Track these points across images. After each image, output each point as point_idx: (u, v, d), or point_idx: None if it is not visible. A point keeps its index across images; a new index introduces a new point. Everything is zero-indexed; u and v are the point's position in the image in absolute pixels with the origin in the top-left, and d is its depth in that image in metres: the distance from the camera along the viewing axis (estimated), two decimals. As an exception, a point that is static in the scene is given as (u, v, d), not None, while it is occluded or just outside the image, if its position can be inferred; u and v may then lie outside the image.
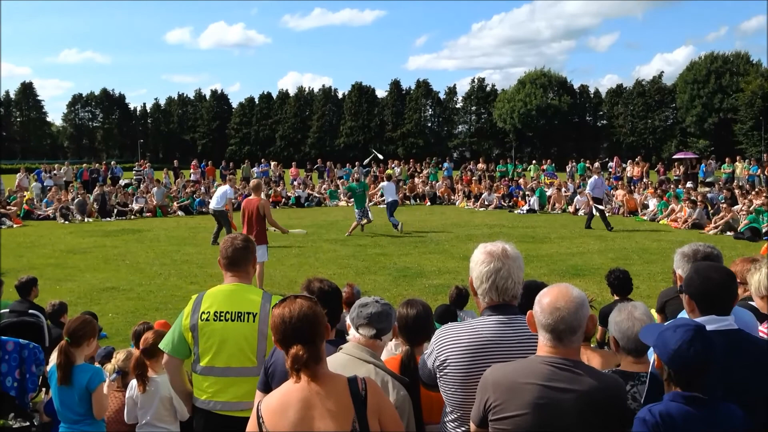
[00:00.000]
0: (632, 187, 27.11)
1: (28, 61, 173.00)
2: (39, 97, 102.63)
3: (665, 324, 2.58)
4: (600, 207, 19.46)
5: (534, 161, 38.58)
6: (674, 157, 39.98)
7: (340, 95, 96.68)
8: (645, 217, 22.04)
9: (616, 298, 6.43)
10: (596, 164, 31.02)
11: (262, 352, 3.60)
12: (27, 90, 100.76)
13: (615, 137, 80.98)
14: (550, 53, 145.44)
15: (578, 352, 2.52)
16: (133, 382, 4.66)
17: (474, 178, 32.28)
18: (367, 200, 19.03)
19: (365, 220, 18.23)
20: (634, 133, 79.02)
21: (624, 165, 35.12)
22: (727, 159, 32.12)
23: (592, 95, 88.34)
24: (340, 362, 2.95)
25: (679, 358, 2.36)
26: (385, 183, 20.86)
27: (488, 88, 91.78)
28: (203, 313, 3.66)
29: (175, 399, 4.42)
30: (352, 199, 19.86)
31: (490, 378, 2.53)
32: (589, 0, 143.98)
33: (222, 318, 3.63)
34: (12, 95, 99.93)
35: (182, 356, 3.77)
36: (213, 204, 17.02)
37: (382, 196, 21.43)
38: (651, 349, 2.69)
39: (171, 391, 4.41)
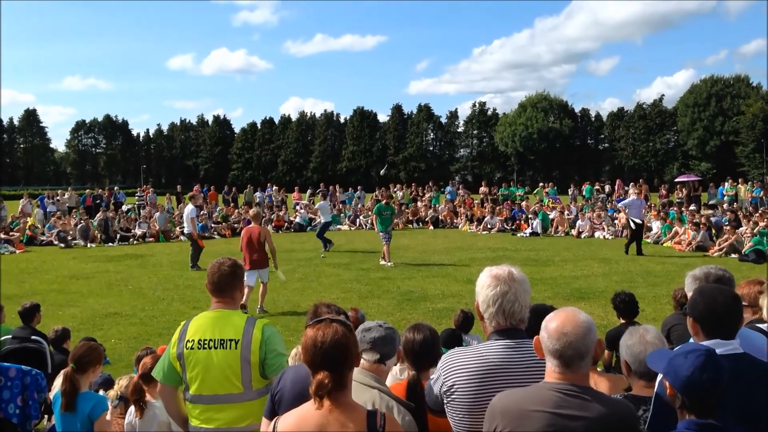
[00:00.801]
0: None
1: (32, 88, 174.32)
2: (42, 124, 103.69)
3: (674, 350, 2.54)
4: (634, 227, 18.62)
5: (541, 184, 38.59)
6: (677, 180, 39.95)
7: (342, 120, 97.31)
8: (648, 240, 21.97)
9: (622, 321, 6.39)
10: (632, 184, 30.57)
11: (247, 377, 3.58)
12: (30, 117, 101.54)
13: (617, 160, 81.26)
14: (550, 77, 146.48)
15: (587, 377, 2.47)
16: (132, 408, 4.63)
17: (476, 201, 32.32)
18: (392, 224, 17.89)
19: (384, 244, 17.20)
20: (635, 156, 79.28)
21: (626, 188, 35.12)
22: (729, 180, 32.11)
23: (593, 118, 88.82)
24: None
25: (693, 384, 2.31)
26: (322, 202, 20.10)
27: (489, 112, 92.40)
28: (188, 341, 3.64)
29: (173, 424, 4.38)
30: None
31: (498, 405, 2.48)
32: (589, 25, 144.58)
33: (206, 346, 3.60)
34: (16, 122, 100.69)
35: (174, 383, 3.76)
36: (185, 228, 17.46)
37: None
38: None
39: (169, 416, 4.38)
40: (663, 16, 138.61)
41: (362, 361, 3.09)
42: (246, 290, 10.92)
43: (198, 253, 16.80)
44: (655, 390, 2.75)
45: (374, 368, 3.09)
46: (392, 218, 18.17)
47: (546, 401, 2.38)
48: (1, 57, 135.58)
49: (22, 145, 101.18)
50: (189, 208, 17.56)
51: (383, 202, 18.11)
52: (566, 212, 27.22)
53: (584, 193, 35.78)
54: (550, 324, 2.46)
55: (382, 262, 16.99)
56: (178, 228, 25.06)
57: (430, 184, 37.97)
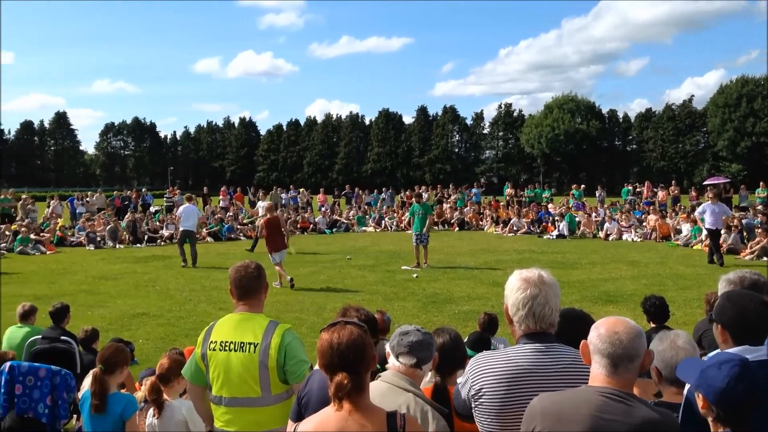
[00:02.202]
0: (664, 212, 26.74)
1: (62, 92, 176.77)
2: (72, 127, 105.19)
3: (705, 360, 2.47)
4: (713, 237, 17.17)
5: (583, 186, 38.09)
6: (705, 182, 39.32)
7: (367, 122, 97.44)
8: (678, 243, 21.68)
9: (652, 325, 6.28)
10: (710, 189, 28.93)
11: (265, 382, 3.56)
12: (61, 119, 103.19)
13: (645, 162, 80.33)
14: (577, 78, 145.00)
15: (632, 384, 2.43)
16: (152, 409, 4.66)
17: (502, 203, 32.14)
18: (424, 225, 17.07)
19: (422, 248, 16.97)
20: (664, 157, 78.31)
21: (655, 190, 34.69)
22: (761, 183, 31.53)
23: (621, 120, 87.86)
24: (379, 390, 2.90)
25: (729, 397, 2.23)
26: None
27: (515, 114, 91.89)
28: (212, 342, 3.66)
29: (191, 423, 4.40)
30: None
31: (538, 406, 2.45)
32: (617, 25, 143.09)
33: (226, 348, 3.61)
34: (46, 125, 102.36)
35: (201, 383, 3.77)
36: (188, 224, 17.79)
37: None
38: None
39: (186, 415, 4.41)
40: (693, 16, 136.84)
41: (398, 364, 3.08)
42: (278, 267, 14.39)
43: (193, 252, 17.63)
44: (684, 396, 2.69)
45: (410, 372, 3.07)
46: (426, 217, 17.34)
47: (589, 404, 2.34)
48: (0, 60, 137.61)
49: (52, 148, 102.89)
50: (193, 208, 18.45)
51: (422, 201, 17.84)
52: (593, 214, 26.96)
53: (621, 195, 35.36)
54: (600, 327, 2.45)
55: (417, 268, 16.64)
56: (204, 230, 25.28)
57: (452, 186, 37.83)
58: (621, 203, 32.51)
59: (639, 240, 23.20)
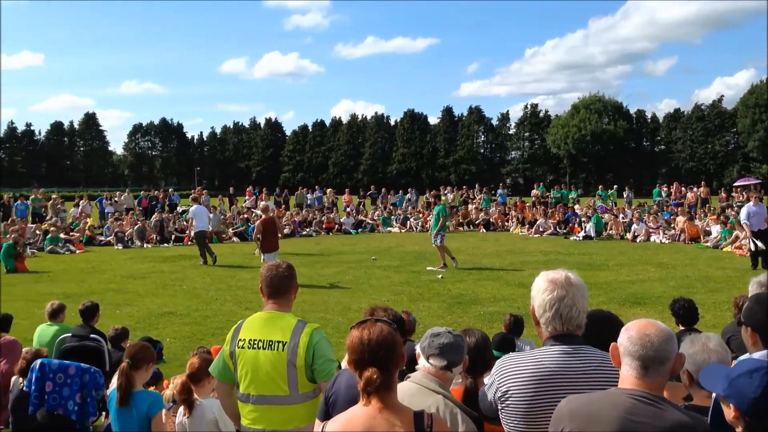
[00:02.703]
0: (693, 214, 26.38)
1: (91, 93, 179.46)
2: (101, 127, 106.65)
3: (732, 368, 2.41)
4: (757, 242, 16.12)
5: (615, 186, 37.71)
6: (735, 184, 38.74)
7: (392, 122, 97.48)
8: (708, 245, 21.37)
9: (681, 328, 6.19)
10: (752, 189, 27.54)
11: (293, 380, 3.57)
12: (90, 120, 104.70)
13: (674, 162, 79.36)
14: (605, 78, 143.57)
15: (663, 387, 2.40)
16: (182, 408, 4.69)
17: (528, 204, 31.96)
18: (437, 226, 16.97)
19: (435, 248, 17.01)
20: (693, 158, 77.32)
21: (684, 191, 34.27)
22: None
23: (649, 120, 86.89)
24: (408, 390, 2.90)
25: (763, 407, 2.14)
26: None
27: (541, 114, 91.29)
28: (240, 340, 3.68)
29: (221, 422, 4.42)
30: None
31: (566, 408, 2.43)
32: (645, 24, 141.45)
33: (255, 346, 3.62)
34: (76, 125, 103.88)
35: (229, 381, 3.80)
36: (202, 225, 18.37)
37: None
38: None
39: (216, 415, 4.43)
40: (723, 15, 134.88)
41: (428, 366, 3.07)
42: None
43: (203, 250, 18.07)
44: (714, 399, 2.65)
45: (440, 374, 3.06)
46: (439, 217, 17.24)
47: (618, 405, 2.31)
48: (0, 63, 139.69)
49: (82, 148, 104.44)
50: (201, 208, 18.99)
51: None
52: (621, 216, 26.68)
53: (652, 195, 35.00)
54: (631, 329, 2.42)
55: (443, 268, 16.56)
56: (230, 230, 25.46)
57: (477, 186, 37.66)
58: (649, 204, 32.15)
59: (667, 242, 22.91)
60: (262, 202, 21.31)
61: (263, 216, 15.84)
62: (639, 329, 2.39)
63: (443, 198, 32.02)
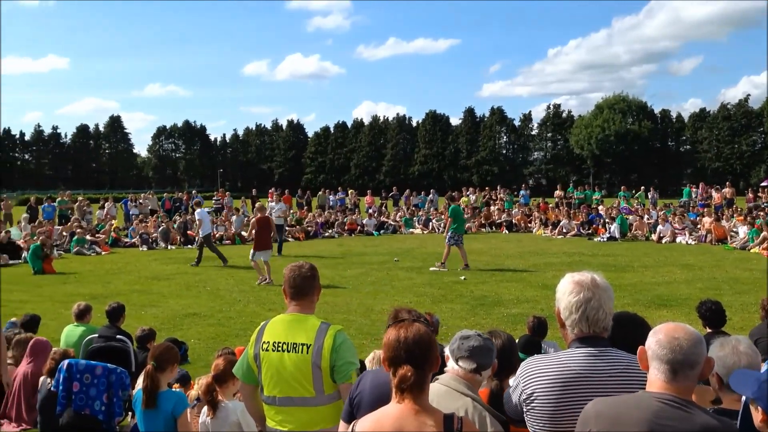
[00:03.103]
0: (720, 214, 26.03)
1: (116, 96, 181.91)
2: (126, 130, 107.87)
3: (763, 372, 2.38)
4: None
5: (642, 187, 37.33)
6: (762, 184, 38.17)
7: (414, 123, 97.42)
8: (735, 245, 21.08)
9: (708, 330, 6.11)
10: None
11: (318, 382, 3.58)
12: (115, 123, 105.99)
13: (699, 162, 78.42)
14: (629, 78, 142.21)
15: (691, 391, 2.37)
16: (205, 408, 4.71)
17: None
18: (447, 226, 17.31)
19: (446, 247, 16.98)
20: (719, 158, 76.37)
21: (710, 191, 33.81)
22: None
23: (674, 120, 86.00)
24: (436, 392, 2.90)
25: None
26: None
27: (564, 114, 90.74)
28: (264, 342, 3.68)
29: (244, 424, 4.44)
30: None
31: (592, 410, 2.41)
32: (669, 23, 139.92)
33: (279, 348, 3.62)
34: (101, 128, 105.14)
35: (253, 383, 3.81)
36: (207, 228, 18.68)
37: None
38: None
39: (239, 417, 4.44)
40: (748, 13, 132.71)
41: (457, 368, 3.06)
42: (266, 266, 15.23)
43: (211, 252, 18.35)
44: (743, 403, 2.61)
45: (469, 377, 3.05)
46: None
47: (646, 409, 2.29)
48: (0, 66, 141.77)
49: (107, 151, 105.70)
50: (204, 212, 19.44)
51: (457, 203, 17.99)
52: (646, 216, 26.41)
53: (682, 195, 34.60)
54: (659, 332, 2.39)
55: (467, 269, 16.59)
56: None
57: (499, 188, 37.47)
58: (674, 205, 31.76)
59: (693, 243, 22.64)
60: (275, 204, 21.65)
61: (258, 215, 16.29)
62: (668, 333, 2.36)
63: (464, 199, 31.98)
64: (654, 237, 23.78)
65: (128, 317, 7.86)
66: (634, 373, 2.61)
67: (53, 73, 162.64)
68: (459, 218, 17.23)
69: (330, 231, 27.85)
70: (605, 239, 24.04)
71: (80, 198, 33.34)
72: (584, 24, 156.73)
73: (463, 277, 15.42)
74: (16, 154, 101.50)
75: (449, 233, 17.00)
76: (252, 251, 15.78)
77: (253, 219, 16.69)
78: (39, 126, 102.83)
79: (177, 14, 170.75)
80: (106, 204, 30.59)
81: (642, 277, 15.36)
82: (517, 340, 5.58)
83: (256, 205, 17.99)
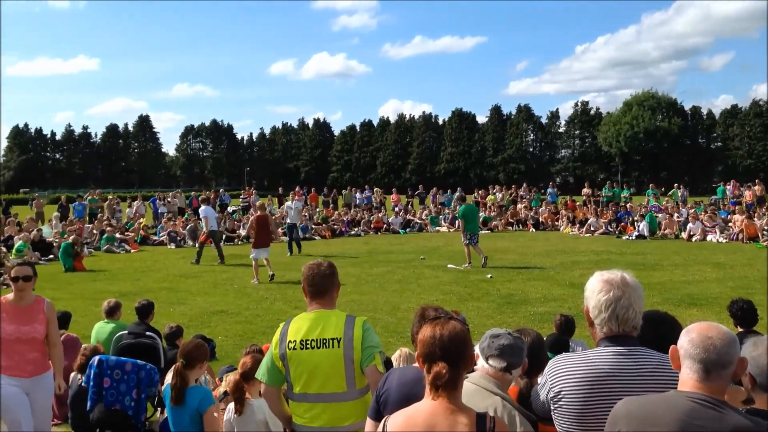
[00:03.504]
0: (751, 212, 25.59)
1: (145, 96, 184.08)
2: (155, 129, 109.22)
3: None
4: None
5: (676, 185, 36.79)
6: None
7: (440, 122, 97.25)
8: (766, 244, 20.71)
9: (739, 330, 6.01)
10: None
11: (351, 376, 3.59)
12: (144, 123, 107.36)
13: (731, 160, 77.20)
14: (658, 74, 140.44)
15: (724, 391, 2.33)
16: (231, 405, 4.73)
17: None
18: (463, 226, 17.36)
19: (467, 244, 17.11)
20: (751, 155, 75.13)
21: (742, 189, 33.26)
22: None
23: (704, 116, 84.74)
24: (466, 390, 2.88)
25: None
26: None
27: (592, 112, 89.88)
28: (290, 342, 3.67)
29: (271, 423, 4.45)
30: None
31: (623, 409, 2.39)
32: (700, 19, 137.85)
33: (308, 346, 3.62)
34: (130, 128, 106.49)
35: (278, 384, 3.81)
36: (213, 225, 19.14)
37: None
38: None
39: (266, 415, 4.45)
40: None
41: (487, 367, 3.05)
42: (266, 262, 15.64)
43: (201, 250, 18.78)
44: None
45: (498, 376, 3.04)
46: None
47: (677, 408, 2.26)
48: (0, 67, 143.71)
49: (136, 150, 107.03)
50: (210, 209, 19.84)
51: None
52: (676, 214, 26.05)
53: (717, 194, 34.07)
54: (692, 331, 2.37)
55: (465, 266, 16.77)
56: (280, 230, 25.70)
57: (525, 185, 37.22)
58: (705, 203, 31.30)
59: (724, 241, 22.27)
60: (291, 203, 21.93)
61: (259, 212, 16.50)
62: (701, 332, 2.32)
63: (491, 197, 31.79)
64: (684, 235, 23.45)
65: (157, 314, 7.94)
66: (663, 373, 2.58)
67: (83, 74, 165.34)
68: (469, 217, 17.32)
69: (356, 229, 27.92)
70: (634, 237, 23.77)
71: (110, 196, 33.79)
72: (613, 20, 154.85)
73: (489, 275, 15.36)
74: (48, 154, 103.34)
75: (464, 234, 17.12)
76: (252, 249, 15.98)
77: (252, 218, 16.98)
78: (70, 126, 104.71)
79: (204, 15, 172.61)
80: (134, 202, 30.96)
81: (671, 275, 15.16)
82: (545, 339, 5.56)
83: (257, 203, 18.24)
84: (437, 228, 28.88)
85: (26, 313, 5.03)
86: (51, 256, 19.88)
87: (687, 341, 2.34)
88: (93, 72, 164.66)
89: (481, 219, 28.39)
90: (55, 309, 5.31)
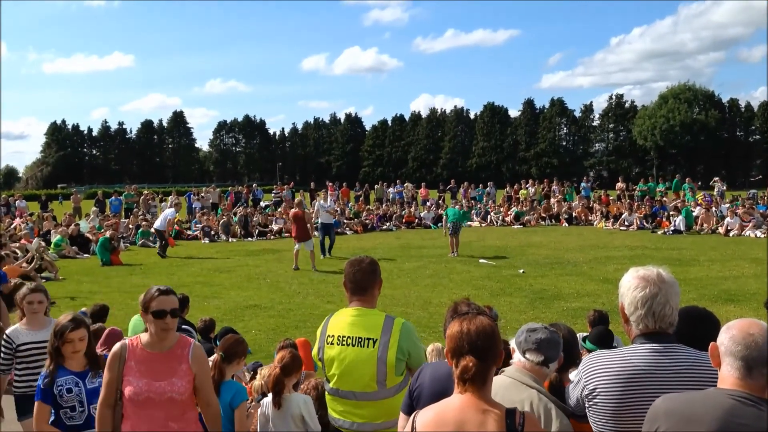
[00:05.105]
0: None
1: (179, 92, 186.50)
2: (188, 125, 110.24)
3: None
4: None
5: (716, 178, 36.05)
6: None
7: (472, 116, 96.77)
8: (807, 239, 20.26)
9: (778, 327, 5.89)
10: None
11: (382, 376, 3.59)
12: (178, 119, 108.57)
13: (769, 153, 75.58)
14: (696, 66, 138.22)
15: (765, 389, 2.29)
16: (266, 399, 4.76)
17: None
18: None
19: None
20: (791, 148, 73.39)
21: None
22: None
23: (743, 109, 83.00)
24: (502, 384, 2.88)
25: None
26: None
27: (627, 105, 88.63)
28: (329, 336, 3.71)
29: (308, 417, 4.47)
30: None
31: (662, 406, 2.36)
32: (740, 9, 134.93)
33: (344, 343, 3.64)
34: (165, 124, 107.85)
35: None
36: (156, 224, 20.47)
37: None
38: None
39: (302, 410, 4.47)
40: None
41: (524, 360, 3.04)
42: (309, 253, 16.42)
43: (164, 246, 19.61)
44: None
45: (535, 370, 3.02)
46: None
47: (718, 406, 2.23)
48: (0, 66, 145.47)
49: (170, 146, 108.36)
50: (170, 211, 21.20)
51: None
52: (713, 209, 25.60)
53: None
54: (733, 328, 2.32)
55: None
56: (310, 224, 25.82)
57: (555, 180, 36.81)
58: (743, 197, 30.65)
59: (762, 236, 21.83)
60: (321, 201, 22.47)
61: (297, 209, 17.28)
62: (742, 328, 2.28)
63: (523, 192, 31.54)
64: (721, 230, 23.04)
65: (192, 308, 8.05)
66: (700, 370, 2.55)
67: (119, 70, 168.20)
68: (452, 216, 19.04)
69: (388, 224, 27.94)
70: (670, 232, 23.42)
71: (145, 192, 34.24)
72: (649, 11, 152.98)
73: (521, 270, 15.27)
74: (84, 150, 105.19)
75: (451, 226, 18.65)
76: (295, 242, 16.83)
77: (291, 214, 17.85)
78: (106, 122, 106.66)
79: (237, 12, 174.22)
80: (170, 198, 31.33)
81: (708, 271, 14.93)
82: (590, 333, 5.53)
83: (296, 200, 19.25)
84: (469, 223, 28.74)
85: (164, 361, 3.67)
86: (88, 252, 20.15)
87: (728, 338, 2.30)
88: (128, 68, 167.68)
89: (513, 214, 28.28)
90: (205, 354, 3.88)
